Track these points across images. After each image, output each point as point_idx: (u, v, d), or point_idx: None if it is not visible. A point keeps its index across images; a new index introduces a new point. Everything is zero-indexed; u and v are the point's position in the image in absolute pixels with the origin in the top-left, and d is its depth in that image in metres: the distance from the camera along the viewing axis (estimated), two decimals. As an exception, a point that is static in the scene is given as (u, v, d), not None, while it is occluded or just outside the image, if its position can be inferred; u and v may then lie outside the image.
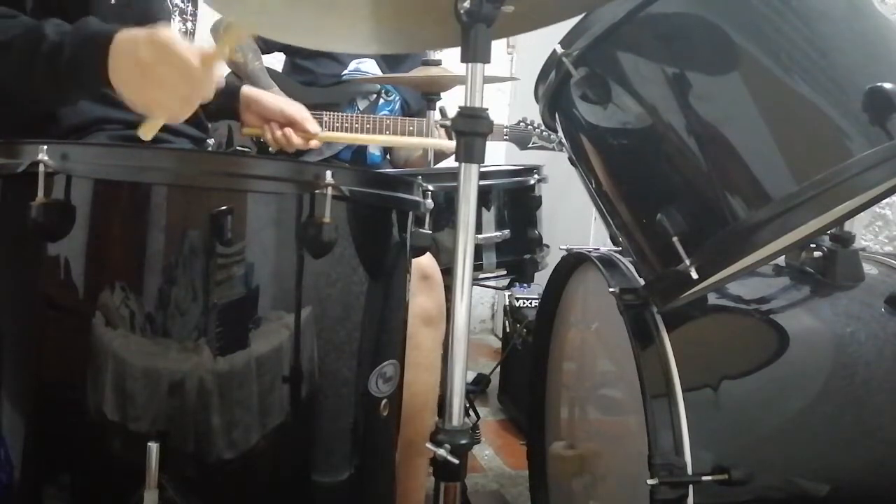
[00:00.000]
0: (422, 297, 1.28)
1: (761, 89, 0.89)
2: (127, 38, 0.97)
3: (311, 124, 1.59)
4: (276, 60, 2.43)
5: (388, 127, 2.17)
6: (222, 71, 1.02)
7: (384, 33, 1.03)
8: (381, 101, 2.33)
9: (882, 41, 0.93)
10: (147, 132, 1.00)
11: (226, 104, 1.58)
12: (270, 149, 1.65)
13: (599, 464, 1.34)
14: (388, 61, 2.31)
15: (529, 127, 2.31)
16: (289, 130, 1.58)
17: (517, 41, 3.40)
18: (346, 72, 2.27)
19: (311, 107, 1.72)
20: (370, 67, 2.30)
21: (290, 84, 2.27)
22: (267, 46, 2.28)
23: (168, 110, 0.98)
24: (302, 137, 1.59)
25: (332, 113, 2.14)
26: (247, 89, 1.61)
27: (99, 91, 1.03)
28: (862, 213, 1.12)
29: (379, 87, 2.32)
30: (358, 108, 2.29)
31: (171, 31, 1.07)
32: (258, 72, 2.23)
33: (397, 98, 2.35)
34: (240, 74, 2.21)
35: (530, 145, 2.32)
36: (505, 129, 2.30)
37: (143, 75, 0.95)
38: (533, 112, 1.94)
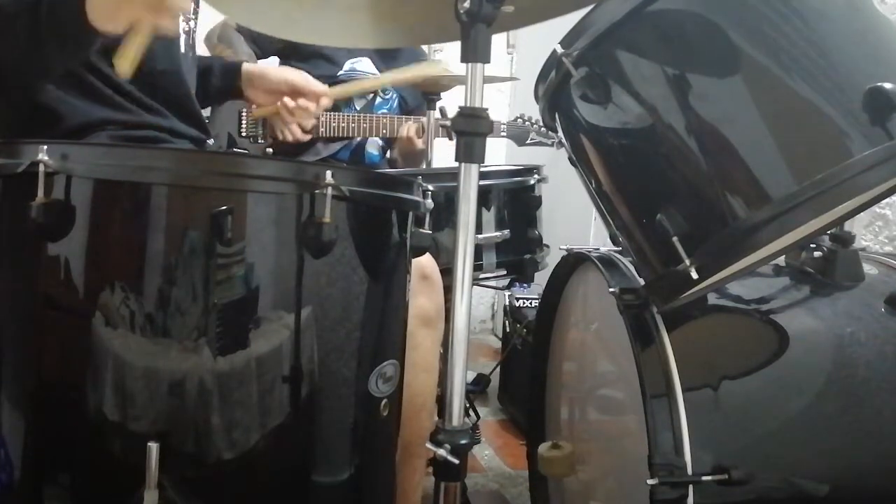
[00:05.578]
0: (421, 298, 1.28)
1: (761, 89, 0.89)
2: None
3: (317, 85, 1.57)
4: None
5: (385, 125, 2.17)
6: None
7: (380, 27, 1.03)
8: (379, 99, 2.32)
9: (882, 41, 0.93)
10: (124, 62, 0.94)
11: (227, 84, 1.56)
12: (269, 150, 1.64)
13: (600, 464, 1.34)
14: (384, 58, 2.29)
15: (527, 123, 2.30)
16: (303, 101, 1.56)
17: (517, 41, 3.40)
18: (341, 72, 2.26)
19: None
20: (366, 66, 2.29)
21: None
22: (262, 51, 2.27)
23: (144, 22, 0.94)
24: (314, 101, 1.57)
25: (329, 113, 2.13)
26: (248, 66, 1.58)
27: (78, 46, 1.01)
28: (862, 213, 1.12)
29: None
30: (355, 108, 2.28)
31: None
32: None
33: (395, 96, 2.34)
34: None
35: (528, 141, 2.31)
36: (503, 126, 2.30)
37: None
38: (532, 112, 1.94)
